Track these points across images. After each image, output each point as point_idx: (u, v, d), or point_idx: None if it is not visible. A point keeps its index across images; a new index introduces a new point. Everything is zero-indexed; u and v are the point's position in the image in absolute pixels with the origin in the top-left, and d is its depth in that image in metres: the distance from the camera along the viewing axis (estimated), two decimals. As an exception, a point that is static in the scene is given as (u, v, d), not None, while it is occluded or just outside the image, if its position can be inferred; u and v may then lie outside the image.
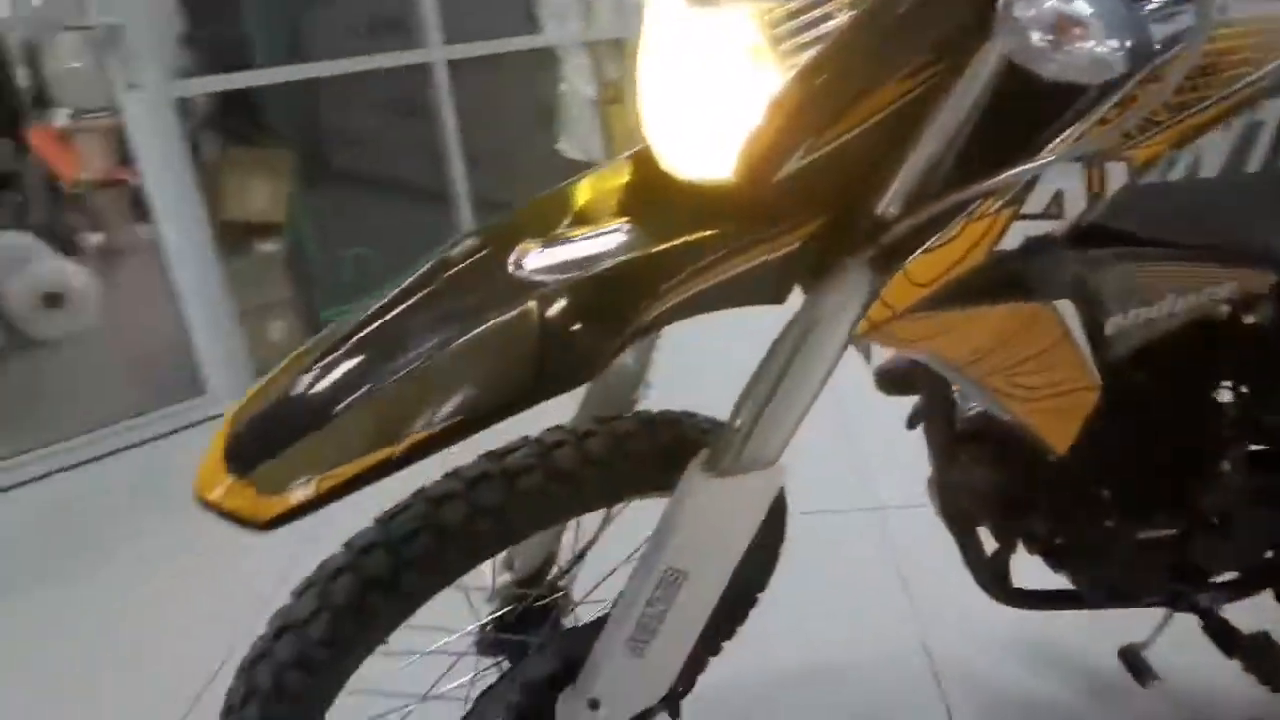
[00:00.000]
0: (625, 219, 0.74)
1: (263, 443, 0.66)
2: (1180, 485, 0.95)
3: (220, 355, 2.56)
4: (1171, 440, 0.94)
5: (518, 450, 0.85)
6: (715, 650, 1.31)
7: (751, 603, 1.26)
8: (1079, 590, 1.03)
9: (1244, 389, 0.95)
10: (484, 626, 1.04)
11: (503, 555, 1.10)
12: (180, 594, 1.80)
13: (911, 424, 1.02)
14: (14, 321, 3.36)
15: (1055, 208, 0.65)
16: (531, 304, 0.66)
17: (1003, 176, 0.64)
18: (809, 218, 0.71)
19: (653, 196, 0.75)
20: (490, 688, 0.96)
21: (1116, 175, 0.66)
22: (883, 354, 1.04)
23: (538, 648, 0.98)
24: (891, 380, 1.05)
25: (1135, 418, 0.93)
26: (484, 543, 0.83)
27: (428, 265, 0.73)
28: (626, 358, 0.99)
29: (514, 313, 0.66)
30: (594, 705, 0.95)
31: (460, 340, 0.66)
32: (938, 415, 0.99)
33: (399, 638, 0.99)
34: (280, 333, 2.81)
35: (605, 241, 0.71)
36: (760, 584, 1.25)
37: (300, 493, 0.63)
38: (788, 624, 1.54)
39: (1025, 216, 0.65)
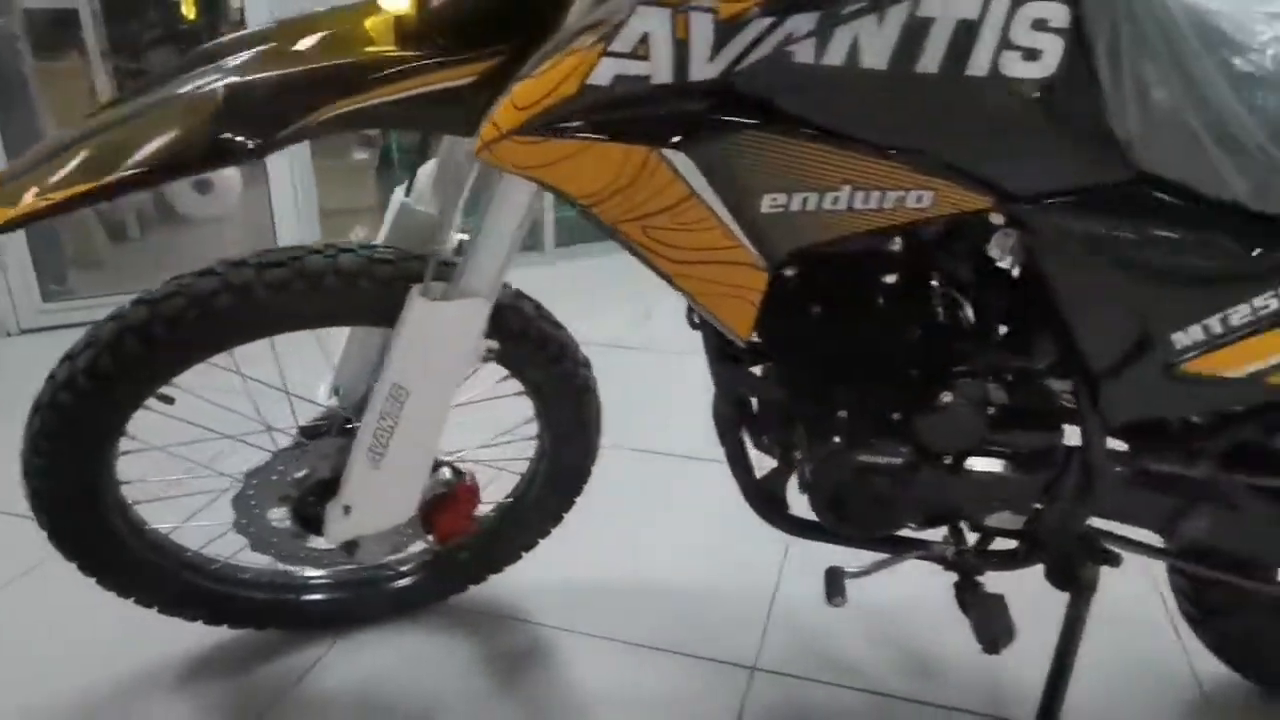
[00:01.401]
0: (343, 42, 0.85)
1: (14, 171, 0.83)
2: (907, 412, 0.95)
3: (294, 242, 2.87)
4: (892, 359, 0.94)
5: (279, 252, 0.98)
6: (544, 533, 1.40)
7: (576, 490, 1.34)
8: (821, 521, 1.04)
9: (978, 320, 0.93)
10: (296, 431, 1.18)
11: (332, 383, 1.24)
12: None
13: (692, 322, 1.06)
14: (168, 197, 3.86)
15: (643, 49, 0.70)
16: (220, 88, 0.78)
17: (595, 15, 0.70)
18: (489, 55, 0.79)
19: (372, 28, 0.86)
20: (255, 469, 1.10)
21: (703, 27, 0.69)
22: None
23: (313, 450, 1.11)
24: None
25: (856, 328, 0.94)
26: (231, 320, 0.96)
27: (186, 57, 0.88)
28: (431, 208, 1.10)
29: (204, 93, 0.78)
30: (346, 510, 1.08)
31: (164, 108, 0.80)
32: (711, 317, 1.02)
33: (227, 425, 1.16)
34: (359, 236, 3.09)
35: (310, 53, 0.82)
36: (575, 486, 1.32)
37: (22, 208, 0.78)
38: (667, 542, 1.61)
39: (614, 54, 0.70)
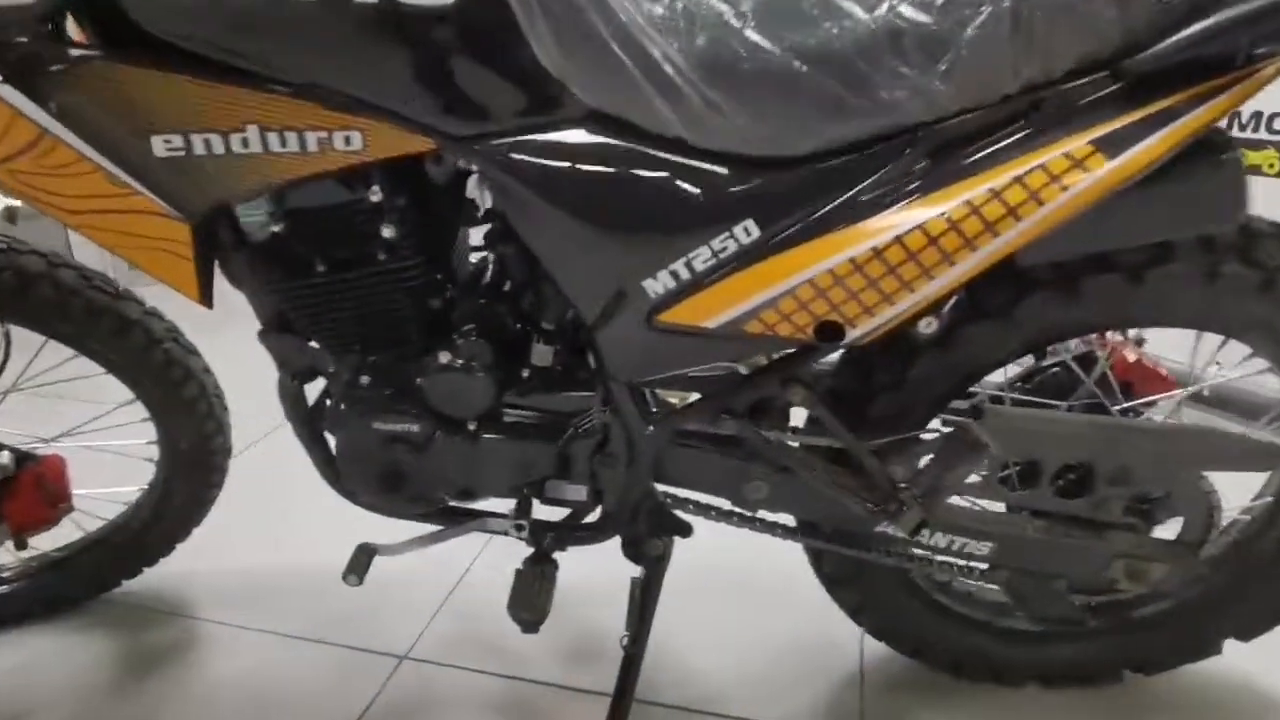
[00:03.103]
0: None
1: None
2: (414, 377, 0.88)
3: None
4: (393, 321, 0.87)
5: None
6: (193, 521, 1.33)
7: (209, 475, 1.27)
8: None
9: (480, 275, 0.87)
10: None
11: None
12: None
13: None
14: None
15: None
16: None
17: None
18: None
19: None
20: None
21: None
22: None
23: None
24: None
25: (351, 289, 0.86)
26: None
27: None
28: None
29: None
30: None
31: None
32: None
33: None
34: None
35: None
36: (207, 471, 1.25)
37: None
38: (354, 532, 1.50)
39: None
